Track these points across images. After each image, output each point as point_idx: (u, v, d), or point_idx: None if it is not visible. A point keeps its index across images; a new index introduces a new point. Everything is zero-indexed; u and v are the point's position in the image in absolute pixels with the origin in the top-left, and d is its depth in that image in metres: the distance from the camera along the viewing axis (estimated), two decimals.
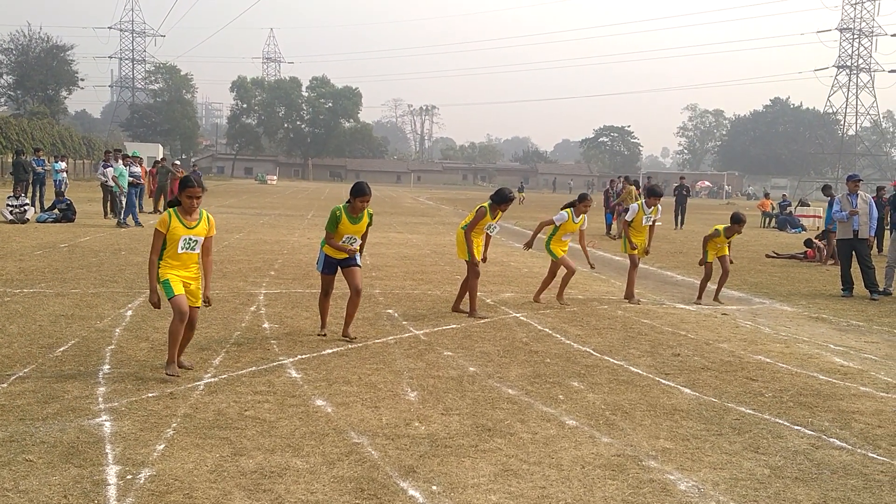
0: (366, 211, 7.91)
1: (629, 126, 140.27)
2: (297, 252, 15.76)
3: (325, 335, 8.08)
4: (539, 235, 11.19)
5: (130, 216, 20.78)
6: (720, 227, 11.96)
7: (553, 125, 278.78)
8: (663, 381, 6.90)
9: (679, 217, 28.94)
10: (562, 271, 10.99)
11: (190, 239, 6.36)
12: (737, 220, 11.71)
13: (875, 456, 5.20)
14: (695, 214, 39.68)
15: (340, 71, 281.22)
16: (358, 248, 8.02)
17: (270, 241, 17.76)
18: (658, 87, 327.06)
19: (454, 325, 8.97)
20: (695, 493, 4.45)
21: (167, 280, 6.29)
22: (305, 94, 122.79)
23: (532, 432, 5.36)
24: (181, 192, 6.42)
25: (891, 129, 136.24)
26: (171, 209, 6.43)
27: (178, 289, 6.28)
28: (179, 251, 6.32)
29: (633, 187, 24.49)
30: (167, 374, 6.26)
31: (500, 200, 9.84)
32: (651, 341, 8.58)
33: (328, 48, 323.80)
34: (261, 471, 4.47)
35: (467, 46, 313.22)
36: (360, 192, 7.79)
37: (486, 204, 9.82)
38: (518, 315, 9.80)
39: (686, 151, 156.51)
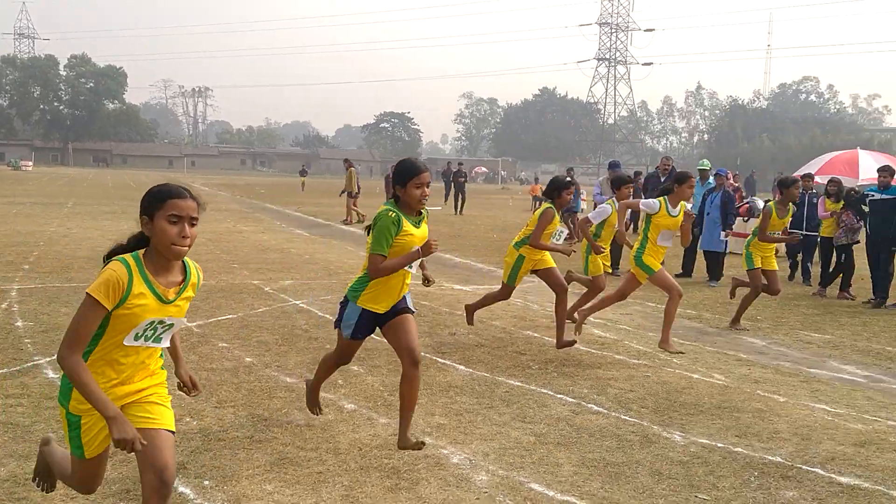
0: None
1: (409, 113, 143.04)
2: (54, 243, 14.54)
3: (319, 413, 5.30)
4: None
5: None
6: (770, 202, 9.17)
7: (334, 110, 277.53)
8: (440, 360, 7.12)
9: (458, 202, 29.92)
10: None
11: (159, 324, 3.09)
12: (788, 184, 9.02)
13: (627, 418, 5.69)
14: (473, 199, 41.16)
15: (103, 49, 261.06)
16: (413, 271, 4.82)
17: (24, 233, 16.23)
18: (436, 75, 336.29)
19: (230, 316, 8.69)
20: (466, 464, 4.64)
21: (78, 420, 3.07)
22: (63, 73, 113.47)
23: (310, 419, 5.33)
24: (157, 213, 3.01)
25: (644, 119, 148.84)
26: (131, 256, 3.04)
27: (92, 448, 3.12)
28: (129, 343, 3.04)
29: (354, 169, 24.83)
30: None
31: (557, 189, 7.68)
32: (429, 322, 8.81)
33: (89, 24, 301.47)
34: (14, 479, 4.10)
35: (244, 27, 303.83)
36: (414, 171, 4.62)
37: (547, 204, 7.62)
38: (298, 302, 9.69)
39: (464, 138, 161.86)
